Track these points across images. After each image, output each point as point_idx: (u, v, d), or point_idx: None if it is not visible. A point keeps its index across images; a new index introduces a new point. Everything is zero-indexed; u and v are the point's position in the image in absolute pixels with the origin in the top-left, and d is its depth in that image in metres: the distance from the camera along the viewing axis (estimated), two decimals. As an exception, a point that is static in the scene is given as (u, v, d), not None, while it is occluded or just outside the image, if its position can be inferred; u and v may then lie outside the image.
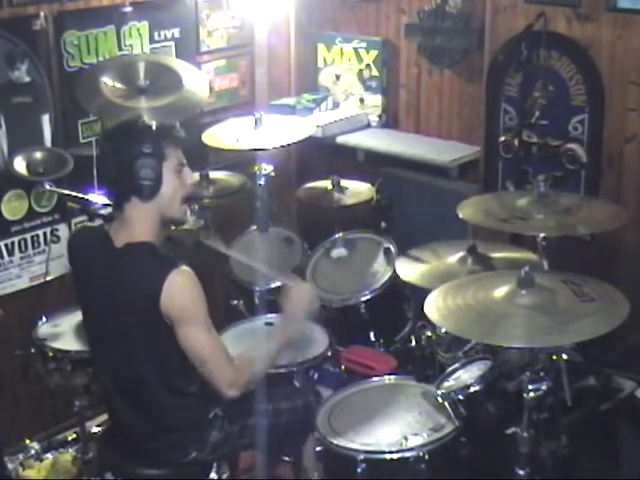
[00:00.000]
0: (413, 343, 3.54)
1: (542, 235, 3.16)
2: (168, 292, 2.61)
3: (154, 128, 2.73)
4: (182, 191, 2.78)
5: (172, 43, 4.29)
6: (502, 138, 4.04)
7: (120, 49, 4.08)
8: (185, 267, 2.67)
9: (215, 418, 2.86)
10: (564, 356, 2.91)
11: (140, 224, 2.72)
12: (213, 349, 2.71)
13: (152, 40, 4.19)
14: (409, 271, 3.42)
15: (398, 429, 2.90)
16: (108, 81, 3.77)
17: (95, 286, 2.76)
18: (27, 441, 3.89)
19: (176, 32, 4.30)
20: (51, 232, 3.97)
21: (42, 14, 3.79)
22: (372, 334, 3.74)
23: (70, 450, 3.88)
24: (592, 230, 3.15)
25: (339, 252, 4.01)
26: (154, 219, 2.74)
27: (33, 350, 3.45)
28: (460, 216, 3.25)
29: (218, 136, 4.12)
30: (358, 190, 4.21)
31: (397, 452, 2.80)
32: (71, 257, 2.90)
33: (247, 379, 2.78)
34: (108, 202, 3.33)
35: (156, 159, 2.68)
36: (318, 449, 2.92)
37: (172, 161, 2.73)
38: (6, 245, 3.87)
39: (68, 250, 2.93)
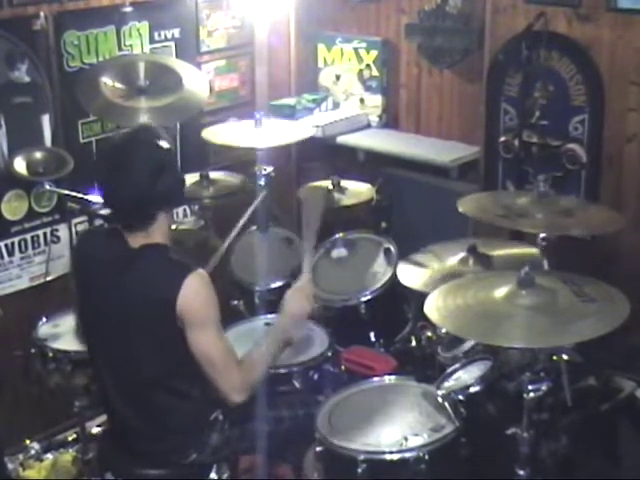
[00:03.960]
0: (413, 343, 3.55)
1: (542, 235, 3.17)
2: (185, 295, 2.61)
3: (161, 145, 2.72)
4: None
5: (172, 43, 4.29)
6: (502, 138, 4.04)
7: (120, 49, 4.08)
8: (201, 270, 2.68)
9: (215, 421, 2.86)
10: (564, 356, 2.90)
11: (160, 230, 2.74)
12: (223, 353, 2.70)
13: (152, 40, 4.19)
14: (412, 278, 3.43)
15: (398, 429, 2.89)
16: (108, 81, 3.78)
17: (103, 286, 2.75)
18: (27, 441, 3.90)
19: (176, 32, 4.30)
20: (51, 232, 3.97)
21: (42, 14, 3.79)
22: (372, 334, 3.73)
23: (70, 450, 3.88)
24: (588, 232, 3.15)
25: (339, 252, 4.00)
26: (169, 223, 2.80)
27: (33, 350, 3.45)
28: (460, 210, 3.25)
29: (218, 135, 4.13)
30: (358, 190, 4.21)
31: (397, 452, 2.79)
32: (76, 259, 2.89)
33: (252, 383, 2.77)
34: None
35: (179, 174, 2.77)
36: (318, 449, 2.91)
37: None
38: (6, 245, 3.87)
39: (74, 252, 2.92)
